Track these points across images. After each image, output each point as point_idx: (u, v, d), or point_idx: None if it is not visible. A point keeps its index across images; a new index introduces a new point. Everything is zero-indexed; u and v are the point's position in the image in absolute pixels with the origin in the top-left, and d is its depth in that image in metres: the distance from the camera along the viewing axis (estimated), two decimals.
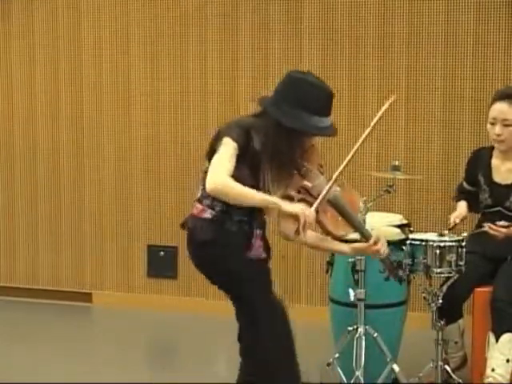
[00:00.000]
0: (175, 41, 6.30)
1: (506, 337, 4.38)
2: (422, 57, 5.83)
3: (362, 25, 5.92)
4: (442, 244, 4.43)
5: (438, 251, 4.42)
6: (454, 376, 4.59)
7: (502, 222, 4.53)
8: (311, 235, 3.70)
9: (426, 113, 5.87)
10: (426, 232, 4.69)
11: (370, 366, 4.43)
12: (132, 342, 5.78)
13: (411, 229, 4.72)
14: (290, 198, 3.61)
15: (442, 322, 4.55)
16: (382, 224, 4.72)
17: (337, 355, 4.53)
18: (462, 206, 4.83)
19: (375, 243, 3.77)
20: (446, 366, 4.58)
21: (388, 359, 4.44)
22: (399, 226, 4.74)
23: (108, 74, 6.45)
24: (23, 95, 6.64)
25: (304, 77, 3.64)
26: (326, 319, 4.93)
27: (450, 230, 4.59)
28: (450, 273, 4.47)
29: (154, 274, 6.49)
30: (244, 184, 3.48)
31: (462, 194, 4.93)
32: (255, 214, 3.63)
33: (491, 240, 4.56)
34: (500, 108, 4.61)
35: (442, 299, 4.51)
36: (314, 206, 3.53)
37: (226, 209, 3.56)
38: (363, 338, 4.44)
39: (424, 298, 4.59)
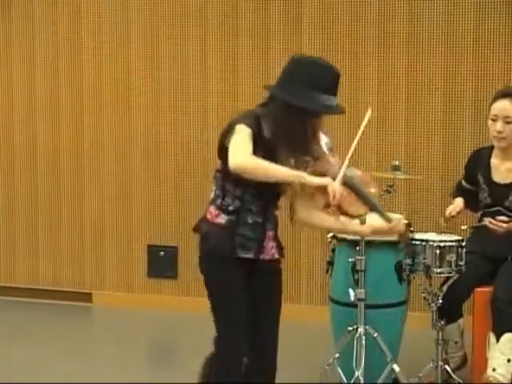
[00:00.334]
0: (175, 40, 6.30)
1: (506, 337, 4.38)
2: (422, 57, 5.83)
3: (362, 25, 5.92)
4: (442, 244, 4.44)
5: (438, 251, 4.43)
6: (454, 376, 4.59)
7: (502, 217, 4.53)
8: (325, 217, 3.66)
9: (426, 113, 5.87)
10: (426, 232, 4.69)
11: (370, 366, 4.43)
12: (132, 341, 5.78)
13: (411, 229, 4.72)
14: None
15: (442, 322, 4.55)
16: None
17: (337, 355, 4.52)
18: (459, 201, 4.84)
19: (398, 223, 3.72)
20: (446, 366, 4.58)
21: (388, 359, 4.44)
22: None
23: (108, 73, 6.45)
24: (23, 93, 6.64)
25: (308, 58, 3.66)
26: (326, 319, 4.92)
27: (445, 219, 4.59)
28: (450, 273, 4.47)
29: (154, 274, 6.49)
30: None
31: (459, 191, 4.93)
32: (269, 214, 3.61)
33: (491, 240, 4.56)
34: (502, 105, 4.62)
35: (442, 299, 4.52)
36: (336, 181, 3.50)
37: (240, 209, 3.54)
38: (363, 338, 4.44)
39: (424, 298, 4.60)
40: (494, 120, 4.66)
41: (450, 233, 4.63)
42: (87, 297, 6.64)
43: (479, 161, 4.84)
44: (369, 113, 3.71)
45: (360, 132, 3.73)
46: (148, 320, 6.23)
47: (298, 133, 3.51)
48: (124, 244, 6.55)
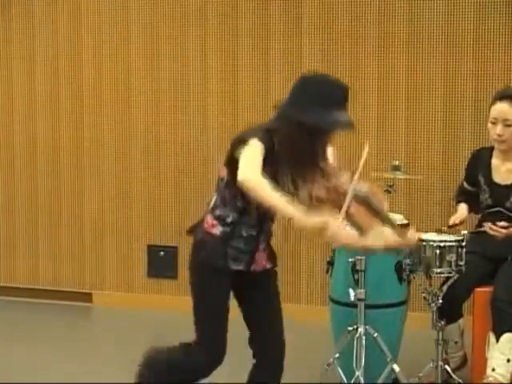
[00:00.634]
0: (175, 40, 6.30)
1: (506, 337, 4.38)
2: (422, 57, 5.83)
3: (362, 25, 5.92)
4: (442, 244, 4.44)
5: (438, 251, 4.43)
6: (454, 376, 4.59)
7: (502, 223, 4.53)
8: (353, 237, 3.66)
9: (426, 113, 5.87)
10: (426, 232, 4.69)
11: (370, 366, 4.43)
12: (132, 342, 5.77)
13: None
14: (320, 199, 3.58)
15: (442, 322, 4.55)
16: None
17: (337, 355, 4.53)
18: (463, 209, 4.83)
19: (413, 238, 3.72)
20: (446, 366, 4.59)
21: (388, 359, 4.44)
22: (399, 226, 4.73)
23: (108, 72, 6.45)
24: (23, 92, 6.64)
25: (317, 75, 3.68)
26: (326, 319, 4.92)
27: (449, 227, 4.60)
28: (450, 273, 4.48)
29: (154, 273, 6.49)
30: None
31: (462, 195, 4.93)
32: (265, 226, 3.64)
33: (491, 240, 4.56)
34: (501, 108, 4.61)
35: (442, 299, 4.52)
36: (345, 205, 3.48)
37: (237, 221, 3.56)
38: (363, 337, 4.44)
39: (424, 298, 4.60)
40: (493, 123, 4.65)
41: (450, 233, 4.62)
42: (87, 297, 6.64)
43: (480, 161, 4.83)
44: (366, 149, 3.70)
45: (360, 168, 3.71)
46: (148, 320, 6.23)
47: (308, 150, 3.52)
48: (124, 244, 6.55)
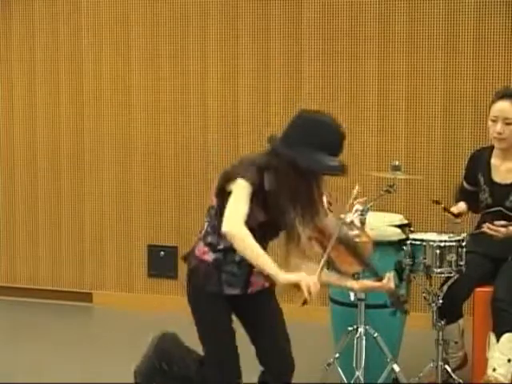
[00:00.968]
0: (175, 41, 6.30)
1: (506, 337, 4.38)
2: (422, 57, 5.83)
3: (362, 25, 5.92)
4: (442, 244, 4.44)
5: (438, 251, 4.43)
6: (454, 376, 4.59)
7: (501, 222, 4.53)
8: (328, 279, 3.70)
9: (426, 113, 5.87)
10: (426, 232, 4.69)
11: (370, 366, 4.43)
12: (132, 342, 5.76)
13: (411, 229, 4.72)
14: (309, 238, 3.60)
15: (443, 322, 4.55)
16: (383, 224, 4.72)
17: (337, 355, 4.52)
18: (462, 204, 4.85)
19: (388, 282, 3.74)
20: (447, 366, 4.59)
21: (388, 359, 4.44)
22: (399, 226, 4.74)
23: (108, 73, 6.45)
24: (23, 93, 6.64)
25: (316, 116, 3.60)
26: (326, 319, 4.92)
27: (445, 209, 4.61)
28: (450, 273, 4.47)
29: (154, 274, 6.49)
30: (257, 220, 3.49)
31: (461, 195, 4.94)
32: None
33: (491, 240, 4.56)
34: (501, 107, 4.62)
35: (443, 299, 4.52)
36: (328, 249, 3.50)
37: (229, 247, 3.53)
38: (363, 338, 4.44)
39: (424, 297, 4.60)
40: (493, 121, 4.66)
41: (450, 233, 4.62)
42: (87, 297, 6.64)
43: (479, 161, 4.84)
44: (355, 191, 3.72)
45: (348, 209, 3.75)
46: (148, 320, 6.22)
47: (305, 191, 3.52)
48: (124, 244, 6.55)
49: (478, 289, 4.65)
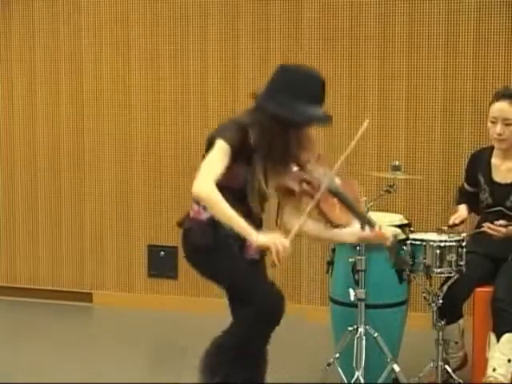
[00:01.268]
0: (175, 41, 6.30)
1: (506, 337, 4.38)
2: (422, 57, 5.83)
3: (362, 25, 5.92)
4: (442, 244, 4.44)
5: (438, 251, 4.43)
6: (454, 376, 4.59)
7: (501, 222, 4.53)
8: (313, 227, 3.70)
9: (426, 113, 5.87)
10: (426, 232, 4.69)
11: (370, 366, 4.43)
12: (132, 341, 5.77)
13: (411, 229, 4.72)
14: (292, 192, 3.62)
15: (443, 322, 4.55)
16: (383, 224, 4.72)
17: (337, 355, 4.52)
18: (462, 209, 4.84)
19: (380, 229, 3.76)
20: (447, 366, 4.58)
21: (388, 359, 4.44)
22: (399, 226, 4.74)
23: (108, 73, 6.45)
24: (23, 93, 6.64)
25: (295, 67, 3.70)
26: (326, 319, 4.92)
27: (449, 227, 4.60)
28: (451, 273, 4.48)
29: (154, 273, 6.49)
30: (237, 180, 3.51)
31: (462, 196, 4.93)
32: (252, 217, 3.64)
33: (492, 240, 4.56)
34: (501, 107, 4.62)
35: (443, 299, 4.52)
36: (315, 198, 3.53)
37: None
38: (363, 337, 4.44)
39: (424, 297, 4.60)
40: (493, 122, 4.66)
41: (450, 233, 4.62)
42: (87, 297, 6.64)
43: (479, 161, 4.84)
44: (365, 124, 3.73)
45: (354, 142, 3.76)
46: (148, 320, 6.23)
47: (282, 143, 3.55)
48: (124, 244, 6.55)
49: (478, 289, 4.65)
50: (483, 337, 4.51)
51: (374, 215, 4.61)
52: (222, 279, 3.71)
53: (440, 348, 4.55)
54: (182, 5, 6.27)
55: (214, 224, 3.58)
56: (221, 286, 3.74)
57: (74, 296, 6.66)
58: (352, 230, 3.85)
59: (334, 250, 4.78)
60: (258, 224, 3.69)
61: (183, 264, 6.38)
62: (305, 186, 3.62)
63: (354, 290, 4.53)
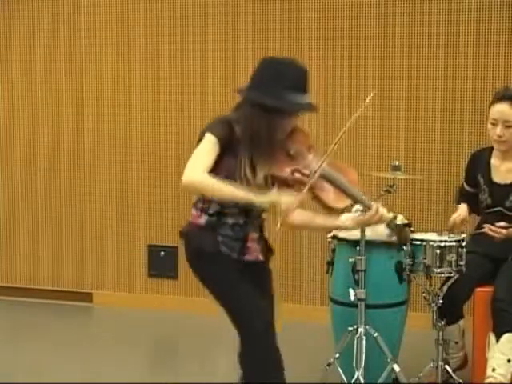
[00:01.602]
0: (175, 41, 6.30)
1: (506, 337, 4.38)
2: (422, 57, 5.83)
3: (362, 25, 5.92)
4: (442, 244, 4.44)
5: (438, 251, 4.43)
6: (454, 376, 4.59)
7: (502, 223, 4.53)
8: (304, 218, 3.68)
9: (426, 113, 5.87)
10: (426, 232, 4.69)
11: (370, 366, 4.43)
12: (132, 341, 5.78)
13: (412, 229, 4.72)
14: (284, 181, 3.63)
15: (443, 322, 4.55)
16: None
17: (337, 355, 4.52)
18: (463, 208, 4.83)
19: (377, 211, 3.76)
20: (447, 366, 4.59)
21: (388, 359, 4.44)
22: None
23: (108, 73, 6.45)
24: (23, 93, 6.64)
25: (277, 58, 3.76)
26: (326, 319, 4.92)
27: (449, 230, 4.59)
28: (451, 273, 4.48)
29: (154, 273, 6.49)
30: (231, 174, 3.52)
31: (462, 197, 4.93)
32: (251, 217, 3.64)
33: (492, 240, 4.55)
34: (501, 109, 4.61)
35: (443, 299, 4.52)
36: (308, 184, 3.54)
37: (220, 210, 3.59)
38: (363, 338, 4.44)
39: (424, 297, 4.60)
40: (493, 124, 4.65)
41: (450, 233, 4.62)
42: (87, 297, 6.64)
43: (479, 162, 4.83)
44: (371, 94, 3.77)
45: (346, 127, 3.78)
46: (148, 320, 6.23)
47: (266, 132, 3.56)
48: (124, 244, 6.55)
49: (478, 289, 4.65)
50: (483, 337, 4.51)
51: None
52: (211, 289, 3.70)
53: (440, 348, 4.55)
54: (182, 5, 6.27)
55: (213, 227, 3.61)
56: (210, 295, 3.72)
57: (74, 296, 6.66)
58: (349, 215, 3.86)
59: (333, 250, 4.78)
60: (257, 215, 3.69)
61: (183, 264, 6.37)
62: (297, 175, 3.63)
63: (353, 289, 4.53)
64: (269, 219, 3.79)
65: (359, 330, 4.45)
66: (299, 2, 6.03)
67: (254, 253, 3.67)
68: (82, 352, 5.53)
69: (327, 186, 3.68)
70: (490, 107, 4.70)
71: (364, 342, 4.43)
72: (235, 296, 3.62)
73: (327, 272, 4.86)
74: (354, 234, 4.48)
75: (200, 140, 3.58)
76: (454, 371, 4.63)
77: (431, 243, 4.45)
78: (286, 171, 3.62)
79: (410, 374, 4.59)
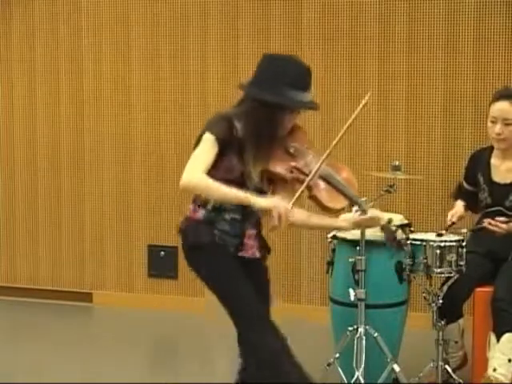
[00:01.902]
0: (175, 41, 6.30)
1: (507, 336, 4.38)
2: (422, 57, 5.83)
3: (362, 25, 5.92)
4: (442, 244, 4.44)
5: (438, 251, 4.43)
6: (454, 376, 4.59)
7: (502, 218, 4.53)
8: (300, 217, 3.68)
9: (426, 113, 5.87)
10: (426, 232, 4.69)
11: (370, 366, 4.43)
12: (132, 341, 5.78)
13: (412, 229, 4.72)
14: (282, 178, 3.63)
15: (443, 322, 4.55)
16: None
17: (337, 355, 4.53)
18: (459, 205, 4.84)
19: (373, 215, 3.76)
20: (447, 366, 4.59)
21: (388, 359, 4.44)
22: (400, 226, 4.73)
23: (108, 73, 6.45)
24: (23, 93, 6.64)
25: (280, 56, 3.76)
26: (326, 319, 4.92)
27: (447, 229, 4.59)
28: (451, 273, 4.48)
29: (154, 274, 6.49)
30: (233, 173, 3.52)
31: (460, 194, 4.93)
32: (249, 214, 3.64)
33: (492, 239, 4.56)
34: (501, 107, 4.62)
35: (443, 299, 4.52)
36: (305, 182, 3.55)
37: (218, 207, 3.60)
38: (363, 337, 4.44)
39: (424, 297, 4.60)
40: (493, 122, 4.65)
41: (450, 232, 4.62)
42: (87, 297, 6.64)
43: (479, 161, 4.84)
44: (366, 98, 3.76)
45: (353, 115, 3.78)
46: (148, 320, 6.23)
47: (267, 128, 3.56)
48: (124, 244, 6.55)
49: (478, 289, 4.65)
50: (483, 337, 4.51)
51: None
52: (210, 284, 3.68)
53: (440, 348, 4.55)
54: (182, 5, 6.27)
55: (210, 222, 3.61)
56: (208, 289, 3.71)
57: (74, 296, 6.66)
58: (346, 217, 3.88)
59: (333, 250, 4.78)
60: (256, 226, 3.70)
61: (183, 264, 6.37)
62: (296, 173, 3.63)
63: (354, 290, 4.53)
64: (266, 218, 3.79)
65: (359, 329, 4.46)
66: (299, 2, 6.03)
67: (251, 250, 3.67)
68: (82, 352, 5.53)
69: (325, 186, 3.68)
70: (490, 106, 4.71)
71: (364, 341, 4.43)
72: (234, 289, 3.59)
73: (327, 272, 4.86)
74: (354, 234, 4.48)
75: (200, 137, 3.58)
76: (453, 370, 4.63)
77: (431, 243, 4.45)
78: (284, 168, 3.62)
79: (410, 374, 4.59)
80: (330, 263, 4.81)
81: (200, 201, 3.65)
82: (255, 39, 6.12)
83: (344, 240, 4.66)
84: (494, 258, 4.67)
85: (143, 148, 6.44)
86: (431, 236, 4.54)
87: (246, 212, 3.62)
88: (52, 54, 6.55)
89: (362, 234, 4.43)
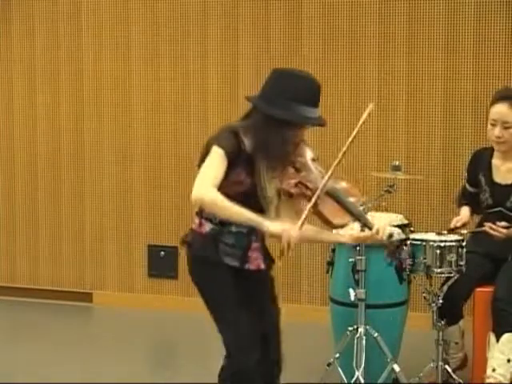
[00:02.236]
0: (175, 41, 6.30)
1: (506, 337, 4.38)
2: (422, 57, 5.83)
3: (362, 25, 5.92)
4: (442, 244, 4.44)
5: (438, 251, 4.43)
6: (454, 376, 4.59)
7: (503, 223, 4.53)
8: (309, 234, 3.69)
9: (426, 113, 5.87)
10: (426, 232, 4.69)
11: (370, 366, 4.44)
12: (132, 341, 5.78)
13: (412, 229, 4.72)
14: (289, 194, 3.62)
15: (443, 322, 4.55)
16: (383, 223, 4.71)
17: (337, 355, 4.53)
18: (465, 212, 4.82)
19: (377, 232, 3.75)
20: (447, 366, 4.59)
21: (388, 359, 4.44)
22: (400, 226, 4.74)
23: (108, 73, 6.45)
24: (23, 94, 6.64)
25: (289, 70, 3.75)
26: (326, 319, 4.92)
27: (449, 231, 4.59)
28: (451, 273, 4.48)
29: (154, 274, 6.49)
30: (242, 185, 3.50)
31: (465, 198, 4.91)
32: (255, 227, 3.62)
33: (492, 240, 4.55)
34: (500, 110, 4.60)
35: (443, 299, 4.52)
36: (313, 199, 3.53)
37: (225, 220, 3.54)
38: (364, 338, 4.44)
39: (424, 298, 4.60)
40: (493, 125, 4.64)
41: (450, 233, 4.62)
42: (87, 297, 6.64)
43: (480, 161, 4.83)
44: (369, 108, 3.74)
45: (352, 137, 3.76)
46: (148, 320, 6.23)
47: (278, 144, 3.53)
48: (124, 244, 6.55)
49: (478, 289, 4.65)
50: (483, 337, 4.51)
51: (374, 215, 4.61)
52: (205, 300, 3.68)
53: (440, 348, 4.55)
54: (182, 5, 6.27)
55: (216, 235, 3.59)
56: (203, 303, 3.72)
57: (74, 296, 6.66)
58: (348, 231, 3.88)
59: (334, 250, 4.78)
60: (261, 238, 3.68)
61: (183, 264, 6.37)
62: (302, 188, 3.62)
63: (354, 290, 4.53)
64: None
65: (359, 330, 4.46)
66: (299, 2, 6.03)
67: (256, 261, 3.65)
68: (82, 352, 5.53)
69: (330, 202, 3.66)
70: (489, 107, 4.70)
71: (364, 341, 4.44)
72: (225, 315, 3.62)
73: (327, 272, 4.86)
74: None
75: (207, 152, 3.53)
76: (453, 371, 4.63)
77: (431, 243, 4.45)
78: (290, 183, 3.60)
79: (410, 374, 4.59)
80: (330, 263, 4.81)
81: (206, 213, 3.61)
82: (255, 39, 6.12)
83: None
84: (494, 258, 4.67)
85: (143, 148, 6.44)
86: (431, 236, 4.54)
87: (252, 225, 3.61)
88: (52, 54, 6.55)
89: None
